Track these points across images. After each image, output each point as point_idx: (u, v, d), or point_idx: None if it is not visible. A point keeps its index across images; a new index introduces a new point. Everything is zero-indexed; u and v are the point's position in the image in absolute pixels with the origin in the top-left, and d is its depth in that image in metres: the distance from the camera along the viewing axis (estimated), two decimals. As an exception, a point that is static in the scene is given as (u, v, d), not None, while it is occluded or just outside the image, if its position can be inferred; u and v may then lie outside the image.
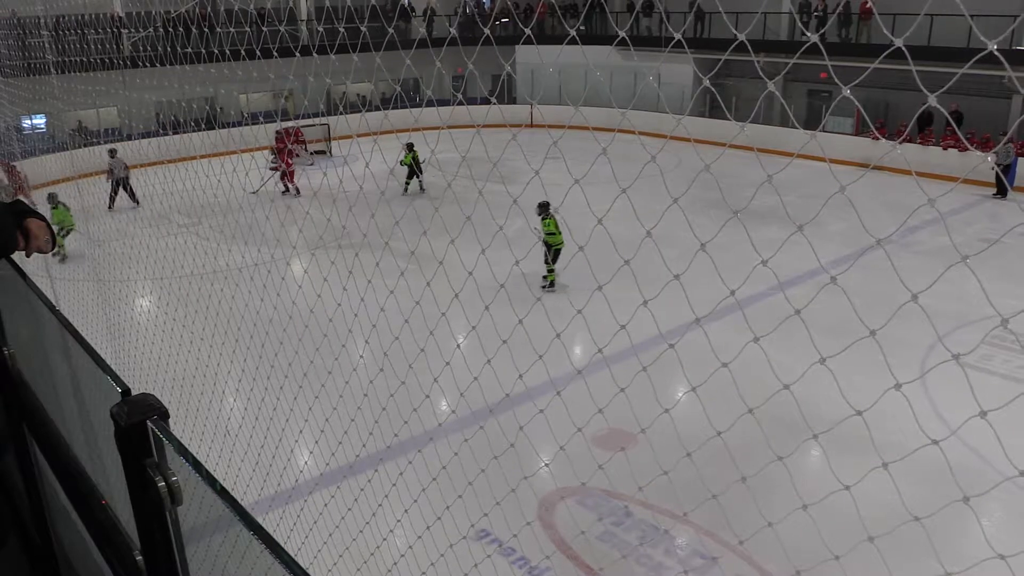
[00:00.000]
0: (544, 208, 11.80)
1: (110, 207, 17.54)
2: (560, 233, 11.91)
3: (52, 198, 14.66)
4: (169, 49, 5.78)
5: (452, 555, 3.71)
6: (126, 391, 1.47)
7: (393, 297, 3.68)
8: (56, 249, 14.04)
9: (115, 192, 17.71)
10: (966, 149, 18.88)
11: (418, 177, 18.79)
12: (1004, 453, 2.13)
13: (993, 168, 17.42)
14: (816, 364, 2.17)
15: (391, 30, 3.34)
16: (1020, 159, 18.11)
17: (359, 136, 20.48)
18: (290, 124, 21.67)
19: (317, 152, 22.64)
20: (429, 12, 24.07)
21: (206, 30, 5.18)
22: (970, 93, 19.00)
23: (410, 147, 18.55)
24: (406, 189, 18.85)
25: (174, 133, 20.24)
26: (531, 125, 25.39)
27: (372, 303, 3.85)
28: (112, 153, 17.54)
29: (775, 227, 13.65)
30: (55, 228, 13.53)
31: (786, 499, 2.96)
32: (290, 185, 18.31)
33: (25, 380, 2.39)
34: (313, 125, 22.20)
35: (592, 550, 6.41)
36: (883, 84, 20.63)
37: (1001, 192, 17.83)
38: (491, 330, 3.20)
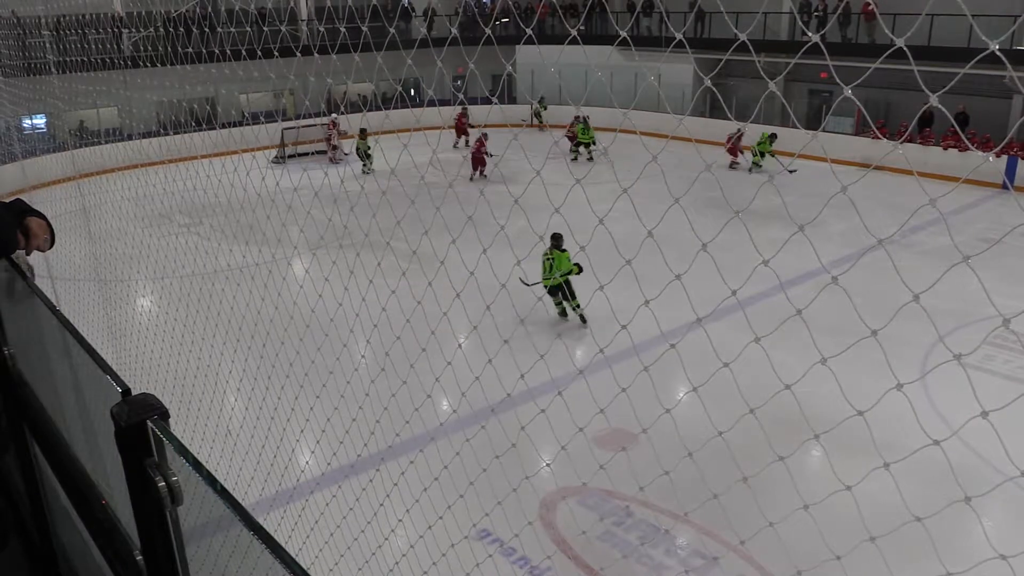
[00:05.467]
0: (557, 240, 10.57)
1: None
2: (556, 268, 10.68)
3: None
4: (169, 49, 5.78)
5: (453, 555, 3.71)
6: (126, 391, 1.47)
7: (395, 297, 3.68)
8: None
9: None
10: (966, 149, 18.86)
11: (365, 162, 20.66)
12: (1005, 453, 2.12)
13: None
14: (817, 364, 2.17)
15: (392, 30, 3.34)
16: (1020, 159, 18.10)
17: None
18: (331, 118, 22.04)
19: (318, 152, 22.61)
20: (430, 12, 24.05)
21: (206, 30, 5.18)
22: (971, 93, 18.99)
23: (363, 132, 20.51)
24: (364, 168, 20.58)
25: (175, 133, 20.24)
26: (532, 125, 25.39)
27: (374, 303, 3.85)
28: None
29: (776, 227, 13.64)
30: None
31: (787, 499, 2.96)
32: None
33: (25, 380, 2.38)
34: (314, 125, 22.17)
35: (593, 550, 6.40)
36: (884, 84, 20.62)
37: None
38: (492, 329, 3.20)
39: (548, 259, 10.51)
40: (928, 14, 19.02)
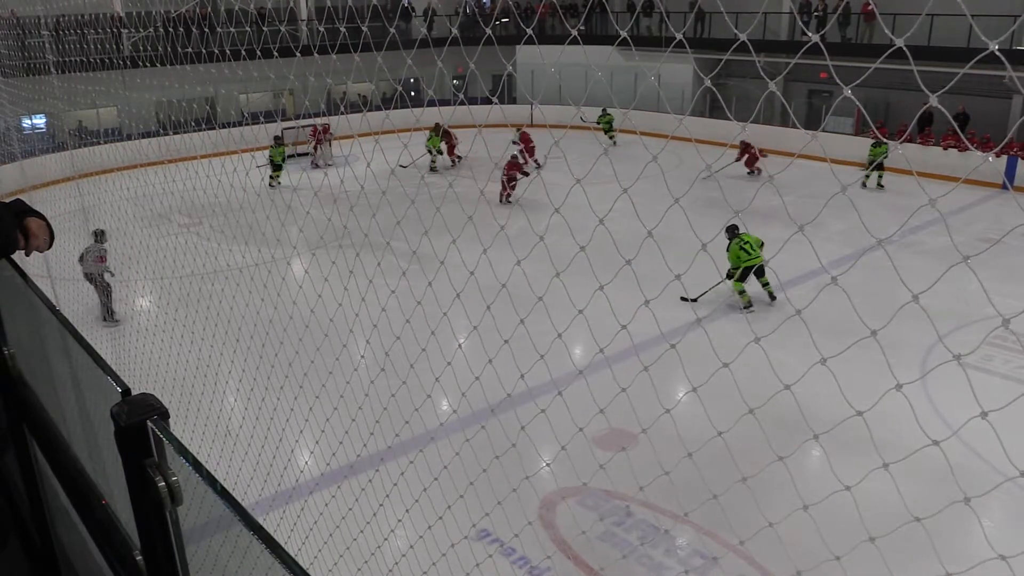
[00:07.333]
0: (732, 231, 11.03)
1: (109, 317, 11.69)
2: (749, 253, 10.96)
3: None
4: (169, 49, 5.78)
5: (453, 555, 3.71)
6: (126, 391, 1.47)
7: (394, 297, 3.68)
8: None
9: (104, 295, 11.65)
10: (966, 149, 18.85)
11: (275, 173, 19.27)
12: (1005, 453, 2.12)
13: None
14: (817, 364, 2.17)
15: (392, 30, 3.34)
16: (1020, 159, 18.09)
17: (360, 136, 20.50)
18: (320, 121, 21.84)
19: (303, 154, 22.43)
20: (430, 12, 24.04)
21: (206, 30, 5.18)
22: (971, 93, 18.99)
23: (277, 140, 19.61)
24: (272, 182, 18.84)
25: (174, 133, 20.23)
26: (532, 125, 25.39)
27: (373, 303, 3.85)
28: (98, 238, 11.57)
29: (776, 227, 13.64)
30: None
31: (787, 499, 2.96)
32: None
33: (25, 380, 2.38)
34: (313, 125, 22.15)
35: (593, 550, 6.40)
36: (883, 84, 20.62)
37: None
38: (492, 330, 3.19)
39: (740, 245, 10.82)
40: (928, 14, 19.02)
